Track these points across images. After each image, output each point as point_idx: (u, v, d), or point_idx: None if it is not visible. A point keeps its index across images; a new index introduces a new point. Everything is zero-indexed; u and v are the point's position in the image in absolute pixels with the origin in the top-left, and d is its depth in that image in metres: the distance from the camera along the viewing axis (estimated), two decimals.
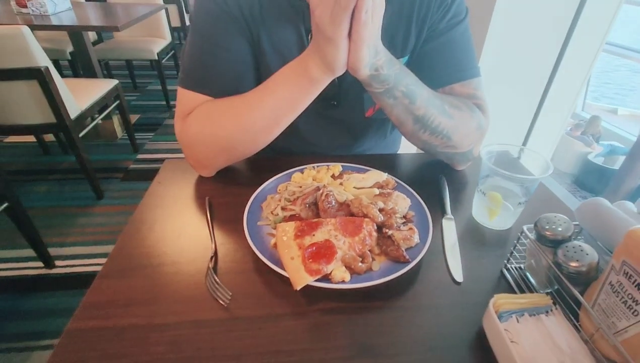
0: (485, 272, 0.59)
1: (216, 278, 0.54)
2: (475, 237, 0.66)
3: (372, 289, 0.52)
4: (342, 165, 0.77)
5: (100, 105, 2.21)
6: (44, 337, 1.41)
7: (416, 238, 0.59)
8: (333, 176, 0.75)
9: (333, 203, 0.62)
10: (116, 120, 2.84)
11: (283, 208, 0.64)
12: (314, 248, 0.54)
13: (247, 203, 0.66)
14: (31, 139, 2.64)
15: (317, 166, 0.77)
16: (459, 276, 0.57)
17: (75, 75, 3.34)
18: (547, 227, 0.51)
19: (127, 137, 2.73)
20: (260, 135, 0.69)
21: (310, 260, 0.52)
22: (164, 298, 0.52)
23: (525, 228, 0.55)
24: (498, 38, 1.50)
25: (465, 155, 0.78)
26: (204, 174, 0.78)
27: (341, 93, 0.78)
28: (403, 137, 0.84)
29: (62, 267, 1.72)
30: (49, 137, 2.65)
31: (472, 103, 0.75)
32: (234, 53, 0.69)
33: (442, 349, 0.47)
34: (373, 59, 0.59)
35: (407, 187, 0.72)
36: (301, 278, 0.51)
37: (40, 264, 1.69)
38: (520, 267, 0.59)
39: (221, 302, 0.51)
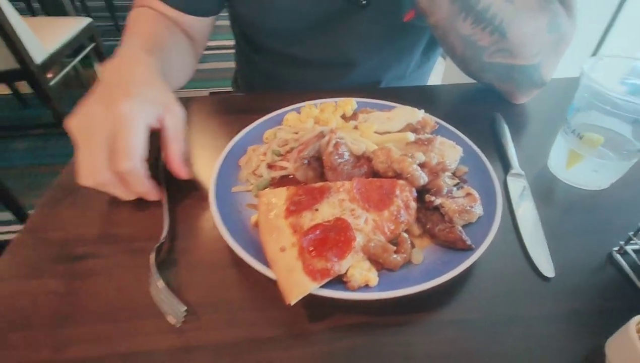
0: (583, 258, 0.38)
1: (160, 282, 0.33)
2: (555, 202, 0.45)
3: (415, 297, 0.32)
4: (356, 101, 0.54)
5: (73, 48, 1.94)
6: None
7: (478, 210, 0.38)
8: (344, 117, 0.52)
9: (346, 156, 0.40)
10: (100, 68, 2.56)
11: (270, 166, 0.43)
12: (318, 232, 0.33)
13: (217, 160, 0.44)
14: (5, 90, 2.39)
15: (320, 103, 0.54)
16: (547, 268, 0.36)
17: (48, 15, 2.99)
18: None
19: None
20: None
21: (313, 253, 0.32)
22: (81, 315, 0.33)
23: None
24: None
25: (529, 73, 0.54)
26: None
27: None
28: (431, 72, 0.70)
29: None
30: (25, 88, 2.39)
31: None
32: None
33: None
34: None
35: (454, 130, 0.49)
36: (297, 284, 0.30)
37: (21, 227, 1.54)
38: None
39: (171, 319, 0.32)
